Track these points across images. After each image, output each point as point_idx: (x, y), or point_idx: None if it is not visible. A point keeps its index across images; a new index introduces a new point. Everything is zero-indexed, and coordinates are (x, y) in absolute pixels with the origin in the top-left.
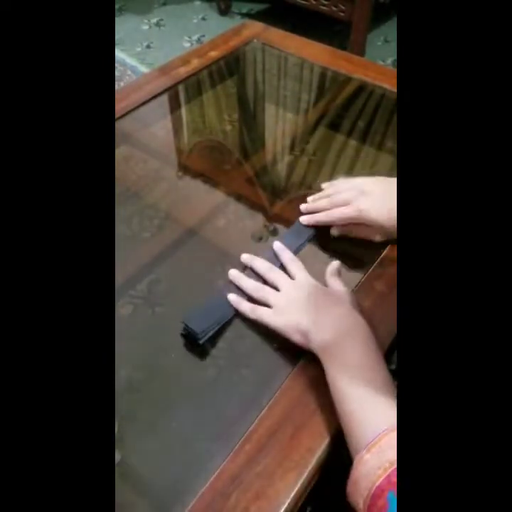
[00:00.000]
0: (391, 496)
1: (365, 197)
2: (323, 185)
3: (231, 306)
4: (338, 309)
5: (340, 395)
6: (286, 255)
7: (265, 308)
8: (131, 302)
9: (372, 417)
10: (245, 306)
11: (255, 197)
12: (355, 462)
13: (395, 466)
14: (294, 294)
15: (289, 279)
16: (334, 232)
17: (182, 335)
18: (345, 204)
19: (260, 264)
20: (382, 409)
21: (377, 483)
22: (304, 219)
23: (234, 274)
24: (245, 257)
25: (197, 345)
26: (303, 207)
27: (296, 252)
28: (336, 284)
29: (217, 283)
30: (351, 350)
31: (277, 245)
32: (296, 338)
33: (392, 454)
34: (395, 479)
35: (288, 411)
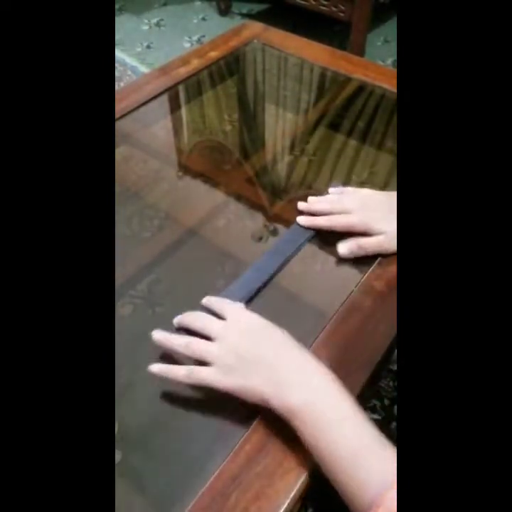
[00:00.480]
0: None
1: (370, 209)
2: (331, 190)
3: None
4: (295, 359)
5: (325, 459)
6: (208, 301)
7: (204, 368)
8: (131, 302)
9: (372, 472)
10: (179, 372)
11: (255, 197)
12: None
13: None
14: (234, 343)
15: (219, 321)
16: (343, 251)
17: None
18: (346, 211)
19: (187, 316)
20: (379, 460)
21: None
22: (302, 220)
23: (158, 337)
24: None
25: None
26: (301, 206)
27: (296, 252)
28: None
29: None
30: (326, 414)
31: (206, 301)
32: (253, 401)
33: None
34: None
35: None
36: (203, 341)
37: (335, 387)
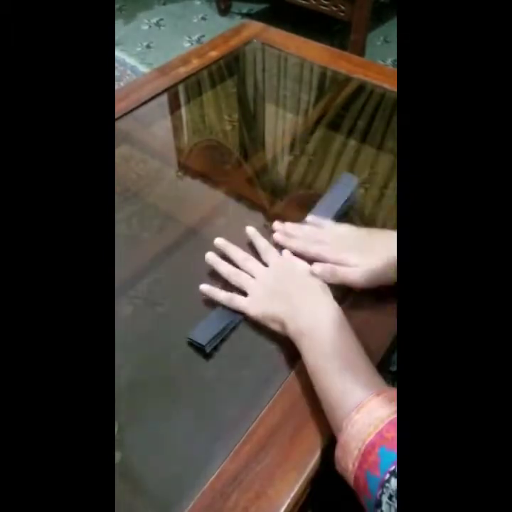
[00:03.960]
0: (383, 450)
1: (345, 244)
2: (309, 220)
3: (234, 314)
4: (311, 296)
5: (319, 371)
6: (261, 243)
7: (242, 298)
8: (131, 302)
9: (356, 385)
10: (222, 296)
11: (255, 197)
12: (343, 426)
13: (386, 422)
14: (269, 282)
15: (263, 267)
16: (317, 269)
17: (189, 343)
18: (320, 243)
19: (234, 253)
20: (364, 378)
21: (367, 440)
22: (277, 236)
23: (212, 256)
24: (219, 242)
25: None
26: (277, 226)
27: (336, 215)
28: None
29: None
30: (327, 335)
31: (251, 231)
32: (274, 326)
33: (382, 412)
34: (387, 434)
35: (288, 411)
36: (245, 275)
37: (338, 321)
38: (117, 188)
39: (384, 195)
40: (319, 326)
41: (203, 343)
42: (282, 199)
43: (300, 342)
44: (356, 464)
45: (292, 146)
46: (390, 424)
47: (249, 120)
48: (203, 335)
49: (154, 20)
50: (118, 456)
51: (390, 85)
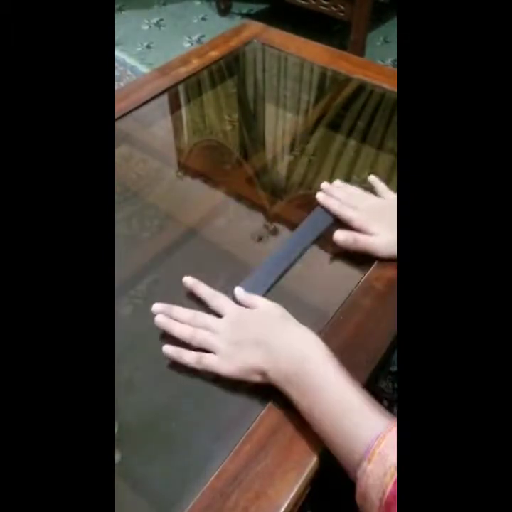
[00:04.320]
0: None
1: (373, 211)
2: (337, 184)
3: None
4: (288, 334)
5: (318, 417)
6: (204, 290)
7: (210, 355)
8: (131, 302)
9: (360, 427)
10: (189, 357)
11: (255, 197)
12: (358, 476)
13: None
14: (231, 333)
15: (217, 319)
16: (339, 237)
17: None
18: (353, 207)
19: (203, 290)
20: (367, 416)
21: (387, 491)
22: (320, 196)
23: (160, 320)
24: (187, 280)
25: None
26: (324, 186)
27: (316, 239)
28: None
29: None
30: (315, 377)
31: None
32: (253, 378)
33: (394, 458)
34: None
35: (288, 411)
36: (206, 333)
37: (321, 355)
38: (117, 188)
39: None
40: (303, 367)
41: None
42: (282, 199)
43: (288, 389)
44: None
45: (292, 146)
46: None
47: (249, 120)
48: None
49: (154, 21)
50: (118, 456)
51: (390, 85)
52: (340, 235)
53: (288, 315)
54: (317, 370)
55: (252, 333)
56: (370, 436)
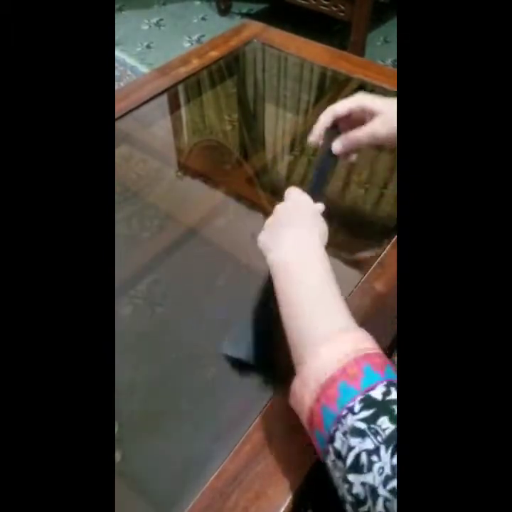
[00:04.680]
0: (343, 385)
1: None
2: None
3: (264, 319)
4: (295, 229)
5: (290, 301)
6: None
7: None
8: (131, 302)
9: (326, 320)
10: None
11: (255, 197)
12: (307, 358)
13: (352, 357)
14: (275, 216)
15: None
16: (337, 146)
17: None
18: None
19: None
20: (337, 315)
21: (329, 374)
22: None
23: None
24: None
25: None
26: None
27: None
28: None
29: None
30: (303, 270)
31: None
32: (264, 254)
33: (347, 347)
34: (350, 370)
35: (288, 411)
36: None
37: (316, 257)
38: (117, 188)
39: (384, 195)
40: (297, 260)
41: (243, 357)
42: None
43: (276, 273)
44: (313, 397)
45: (292, 146)
46: (354, 361)
47: (249, 120)
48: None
49: (154, 21)
50: (118, 456)
51: (390, 85)
52: (336, 145)
53: (309, 213)
54: (307, 265)
55: (280, 221)
56: (334, 329)
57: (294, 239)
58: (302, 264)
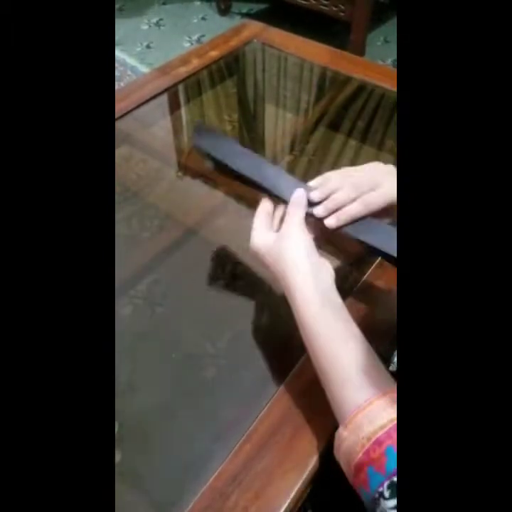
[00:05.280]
0: (371, 470)
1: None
2: (312, 183)
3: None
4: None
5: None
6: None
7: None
8: (131, 302)
9: (346, 392)
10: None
11: (255, 197)
12: (335, 437)
13: (372, 440)
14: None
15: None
16: (331, 222)
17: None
18: (345, 203)
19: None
20: (356, 385)
21: (356, 461)
22: (330, 222)
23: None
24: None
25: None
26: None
27: None
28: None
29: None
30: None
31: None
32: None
33: (367, 430)
34: (373, 454)
35: (288, 411)
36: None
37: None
38: (117, 188)
39: None
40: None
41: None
42: None
43: (300, 314)
44: (351, 478)
45: (292, 146)
46: (376, 443)
47: (249, 120)
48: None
49: (154, 20)
50: (118, 456)
51: (390, 85)
52: (331, 221)
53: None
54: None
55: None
56: (352, 406)
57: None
58: (328, 314)
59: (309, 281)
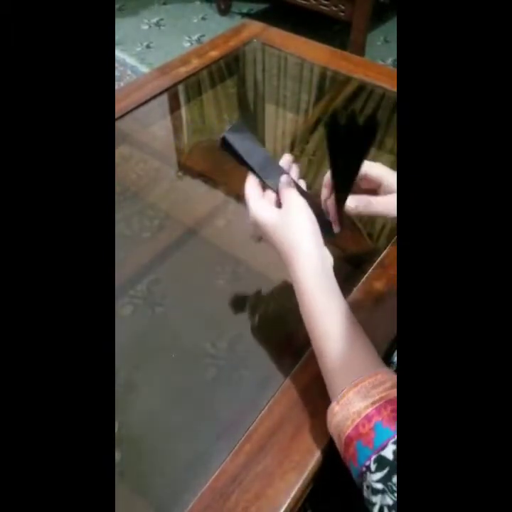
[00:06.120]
0: (359, 444)
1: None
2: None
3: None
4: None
5: (313, 330)
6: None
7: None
8: (131, 302)
9: (343, 368)
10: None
11: None
12: (328, 411)
13: (362, 415)
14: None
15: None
16: (351, 204)
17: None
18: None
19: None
20: (353, 356)
21: (345, 434)
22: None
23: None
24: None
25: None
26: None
27: None
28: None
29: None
30: (324, 300)
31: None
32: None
33: (358, 406)
34: (362, 429)
35: (288, 411)
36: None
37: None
38: (117, 188)
39: None
40: (320, 288)
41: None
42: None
43: (301, 291)
44: (342, 451)
45: (292, 146)
46: (365, 418)
47: (250, 120)
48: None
49: (154, 20)
50: (118, 456)
51: (390, 85)
52: (351, 202)
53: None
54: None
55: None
56: (344, 383)
57: (316, 260)
58: (325, 293)
59: (315, 264)
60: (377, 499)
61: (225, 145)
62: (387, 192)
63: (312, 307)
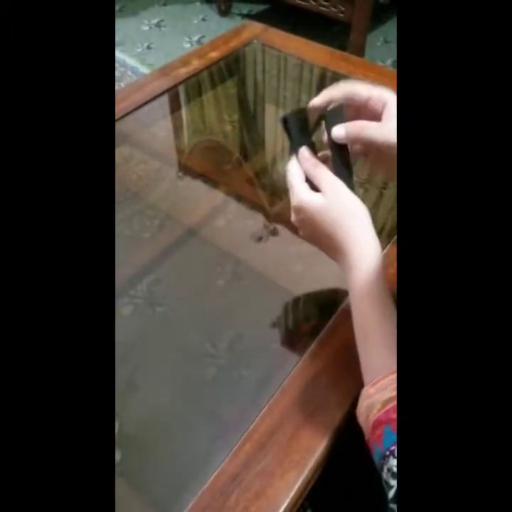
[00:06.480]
0: (387, 429)
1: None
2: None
3: None
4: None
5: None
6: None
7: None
8: (131, 302)
9: (375, 358)
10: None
11: (255, 197)
12: (361, 394)
13: (393, 403)
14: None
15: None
16: (339, 132)
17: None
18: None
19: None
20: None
21: (375, 417)
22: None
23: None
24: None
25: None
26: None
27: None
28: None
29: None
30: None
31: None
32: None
33: (392, 393)
34: (392, 415)
35: (288, 411)
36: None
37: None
38: (117, 189)
39: (384, 195)
40: (373, 296)
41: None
42: (282, 199)
43: (357, 299)
44: (369, 430)
45: None
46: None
47: (250, 121)
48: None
49: (155, 21)
50: (118, 455)
51: (390, 85)
52: (338, 131)
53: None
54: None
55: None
56: (383, 369)
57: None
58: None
59: (374, 255)
60: (395, 482)
61: (285, 124)
62: (389, 117)
63: (363, 293)
